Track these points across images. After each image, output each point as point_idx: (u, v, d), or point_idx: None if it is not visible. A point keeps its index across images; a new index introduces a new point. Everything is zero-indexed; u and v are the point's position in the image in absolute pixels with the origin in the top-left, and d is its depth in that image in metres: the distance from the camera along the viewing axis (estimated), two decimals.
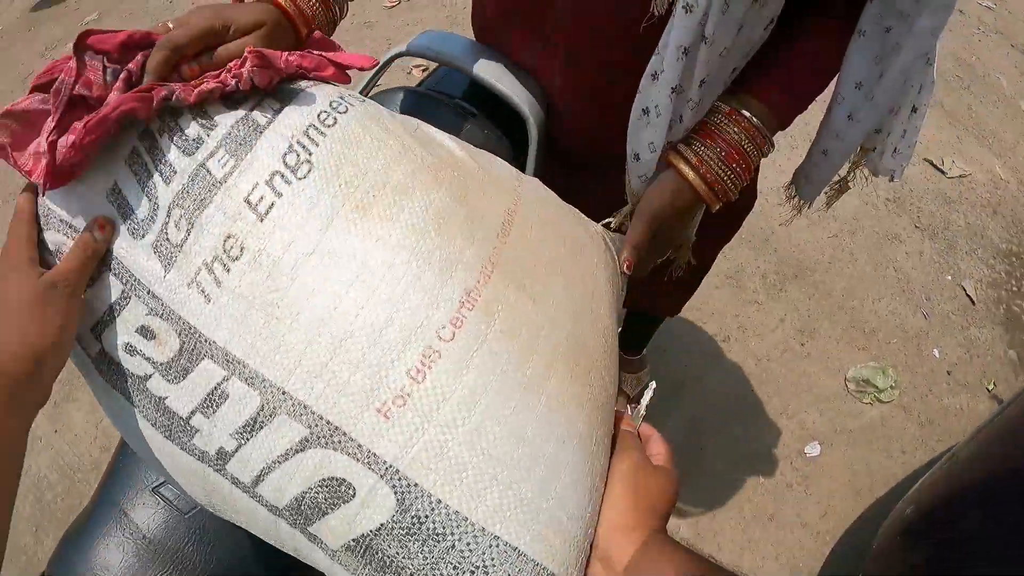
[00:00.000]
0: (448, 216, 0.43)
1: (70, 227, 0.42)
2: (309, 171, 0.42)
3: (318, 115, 0.44)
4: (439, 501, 0.38)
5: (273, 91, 0.46)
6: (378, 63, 0.53)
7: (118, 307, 0.42)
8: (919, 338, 1.68)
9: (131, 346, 0.41)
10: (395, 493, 0.38)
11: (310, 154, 0.42)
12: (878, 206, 1.92)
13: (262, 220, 0.41)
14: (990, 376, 1.64)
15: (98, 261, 0.42)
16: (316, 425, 0.38)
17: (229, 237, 0.40)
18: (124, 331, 0.41)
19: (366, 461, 0.38)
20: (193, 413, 0.40)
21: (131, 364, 0.42)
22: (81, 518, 0.63)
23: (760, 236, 1.83)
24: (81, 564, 0.58)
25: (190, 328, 0.40)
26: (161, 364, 0.41)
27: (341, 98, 0.47)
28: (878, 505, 1.40)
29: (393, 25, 2.40)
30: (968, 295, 1.78)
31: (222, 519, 0.61)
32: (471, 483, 0.38)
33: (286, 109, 0.44)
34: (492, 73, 0.71)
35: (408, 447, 0.38)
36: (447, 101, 0.75)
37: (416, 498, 0.38)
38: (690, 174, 0.56)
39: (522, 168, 0.73)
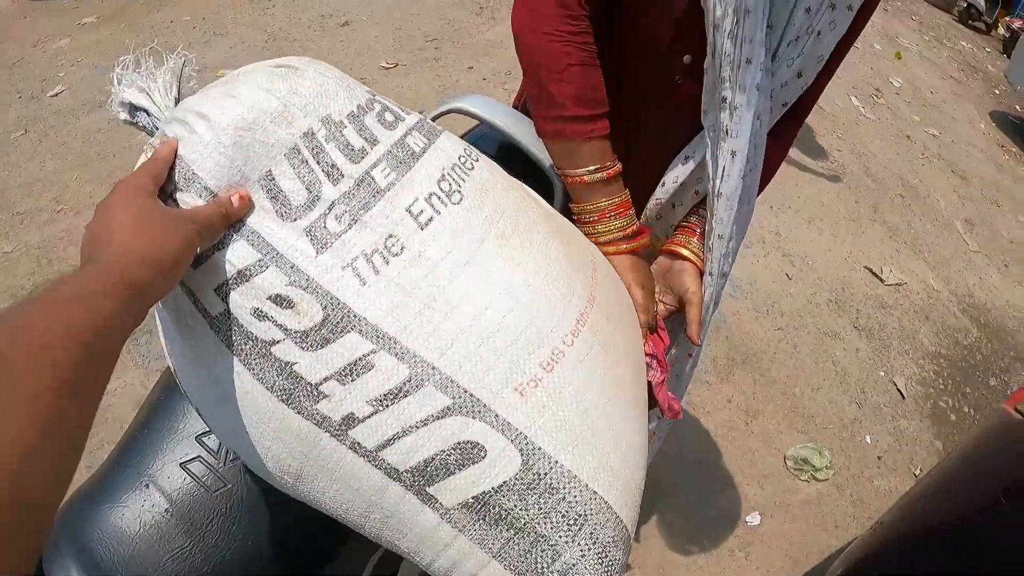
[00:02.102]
0: (562, 255, 0.57)
1: (212, 195, 0.45)
2: (461, 199, 0.52)
3: (459, 157, 0.55)
4: (556, 462, 0.47)
5: (418, 125, 0.54)
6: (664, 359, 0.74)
7: (250, 272, 0.45)
8: (853, 425, 1.88)
9: (261, 311, 0.45)
10: (521, 455, 0.46)
11: (460, 186, 0.52)
12: (820, 305, 2.17)
13: (423, 229, 0.49)
14: (917, 462, 1.84)
15: (228, 225, 0.45)
16: (460, 397, 0.46)
17: (391, 236, 0.48)
18: (254, 296, 0.45)
19: (501, 428, 0.46)
20: (326, 380, 0.45)
21: (257, 328, 0.45)
22: (96, 479, 0.61)
23: (713, 323, 2.04)
24: (89, 523, 0.57)
25: (339, 303, 0.46)
26: (296, 332, 0.45)
27: (470, 149, 0.57)
28: (813, 574, 1.55)
29: (389, 85, 2.59)
30: (899, 390, 2.00)
31: (249, 501, 0.62)
32: (579, 450, 0.48)
33: (433, 146, 0.54)
34: (528, 139, 0.82)
35: (537, 419, 0.47)
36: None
37: (539, 459, 0.46)
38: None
39: None
